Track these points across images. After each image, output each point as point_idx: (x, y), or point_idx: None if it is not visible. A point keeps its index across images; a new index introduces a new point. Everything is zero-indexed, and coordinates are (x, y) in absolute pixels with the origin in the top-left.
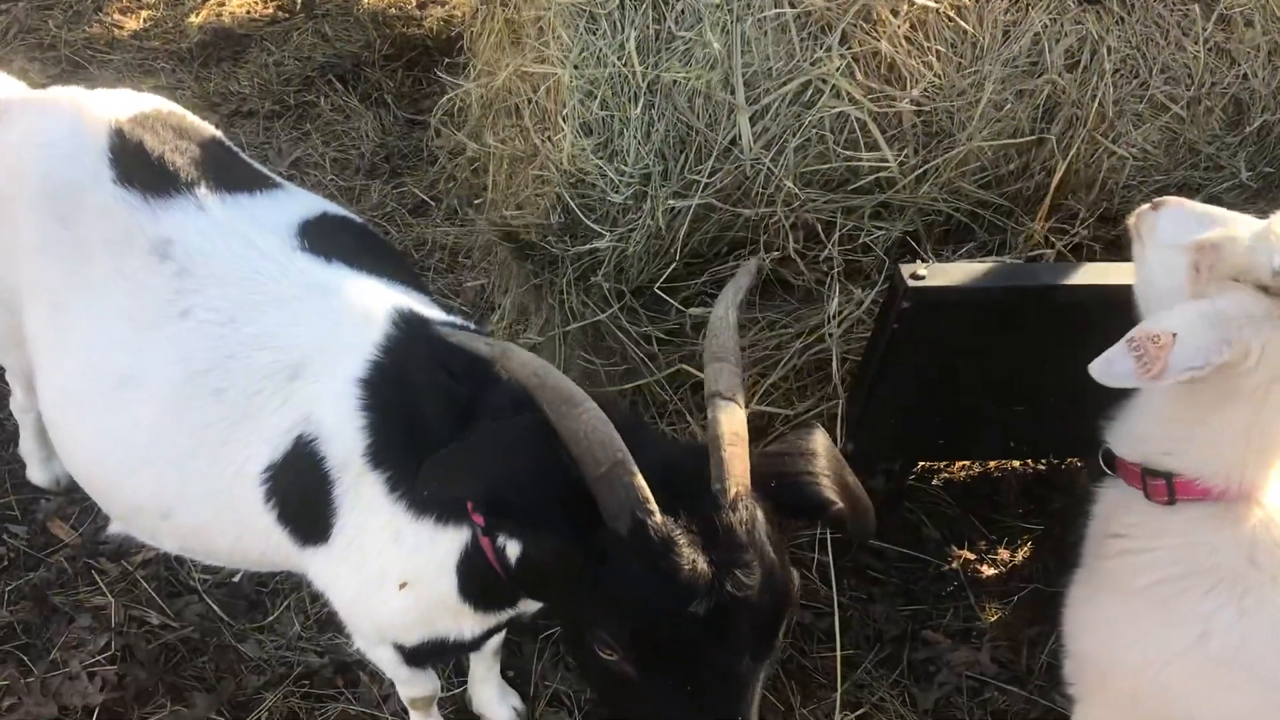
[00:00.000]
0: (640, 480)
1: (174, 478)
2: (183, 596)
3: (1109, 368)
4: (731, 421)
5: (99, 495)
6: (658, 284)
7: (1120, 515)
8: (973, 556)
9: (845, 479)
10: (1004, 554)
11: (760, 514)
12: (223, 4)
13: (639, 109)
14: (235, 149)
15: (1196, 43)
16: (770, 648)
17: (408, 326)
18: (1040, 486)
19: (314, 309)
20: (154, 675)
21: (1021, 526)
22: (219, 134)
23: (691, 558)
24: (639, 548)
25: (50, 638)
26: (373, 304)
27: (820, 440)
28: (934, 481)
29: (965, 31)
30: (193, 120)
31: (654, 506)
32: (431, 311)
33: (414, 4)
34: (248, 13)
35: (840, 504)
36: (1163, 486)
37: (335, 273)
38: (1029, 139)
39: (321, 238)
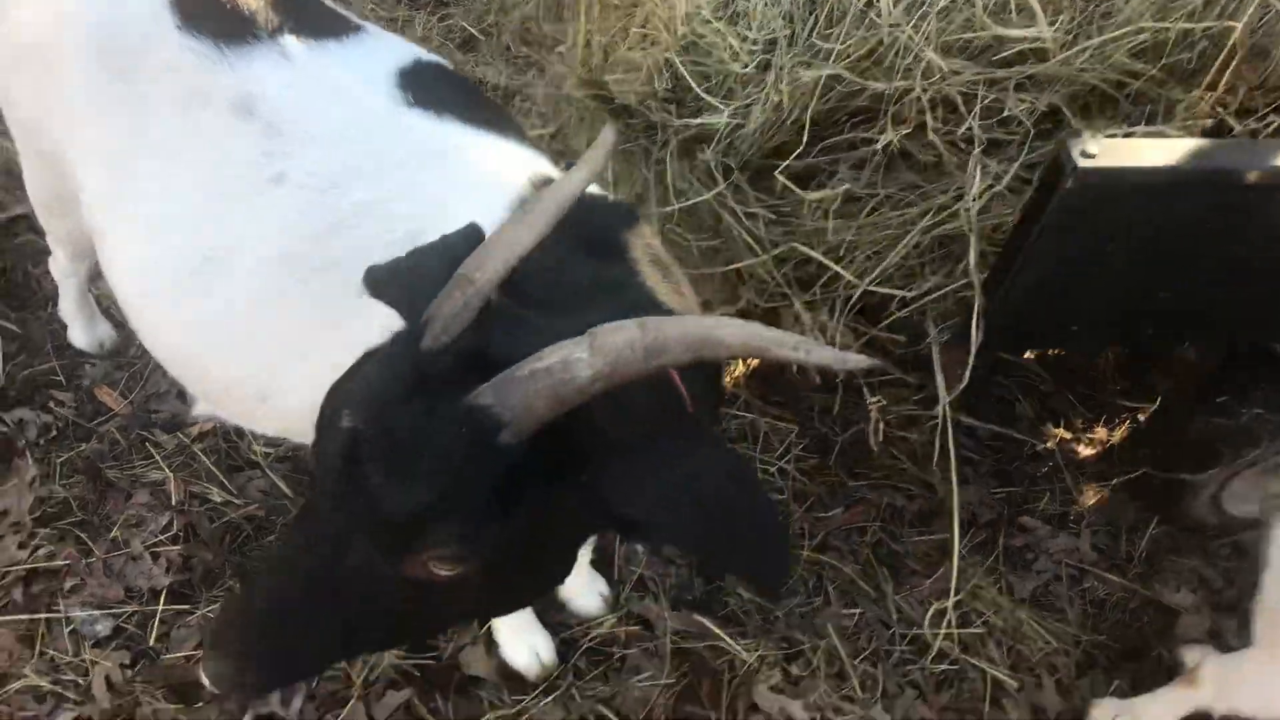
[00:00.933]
0: (453, 302)
1: (274, 361)
2: (244, 471)
3: None
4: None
5: (186, 379)
6: (777, 170)
7: None
8: (1069, 436)
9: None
10: (1101, 433)
11: (488, 451)
12: None
13: None
14: None
15: None
16: (388, 546)
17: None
18: (1137, 364)
19: (431, 173)
20: (219, 556)
21: (1120, 405)
22: None
23: (386, 383)
24: (391, 342)
25: (108, 514)
26: (500, 167)
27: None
28: (1026, 354)
29: None
30: None
31: (438, 329)
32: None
33: None
34: None
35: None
36: None
37: (451, 130)
38: (1198, 3)
39: (425, 89)
